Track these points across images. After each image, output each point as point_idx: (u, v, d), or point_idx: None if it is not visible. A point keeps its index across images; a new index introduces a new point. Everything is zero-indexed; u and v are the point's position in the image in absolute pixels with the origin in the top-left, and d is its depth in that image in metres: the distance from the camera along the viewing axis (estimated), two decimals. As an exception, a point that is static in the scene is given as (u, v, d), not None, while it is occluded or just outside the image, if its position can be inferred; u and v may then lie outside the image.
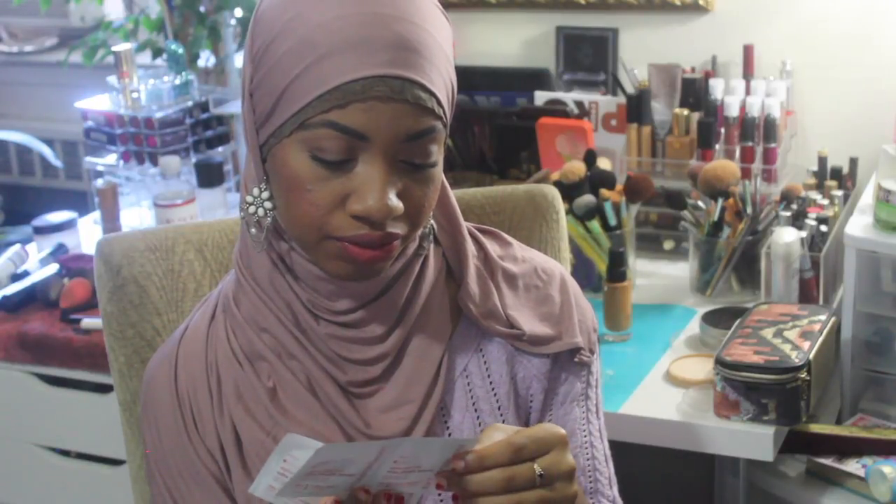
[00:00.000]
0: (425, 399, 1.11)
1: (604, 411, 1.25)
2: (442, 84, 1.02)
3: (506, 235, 1.23)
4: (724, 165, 2.16)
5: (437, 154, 1.04)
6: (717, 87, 2.33)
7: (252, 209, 1.07)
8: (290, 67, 1.00)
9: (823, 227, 2.04)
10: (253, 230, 1.08)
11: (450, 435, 1.14)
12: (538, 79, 2.53)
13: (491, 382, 1.16)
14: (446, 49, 1.04)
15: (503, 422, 1.16)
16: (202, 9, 2.77)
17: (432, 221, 1.14)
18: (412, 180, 1.03)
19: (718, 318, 1.99)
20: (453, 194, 1.17)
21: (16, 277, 2.34)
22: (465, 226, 1.17)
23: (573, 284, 1.22)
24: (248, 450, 1.11)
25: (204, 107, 2.63)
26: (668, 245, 2.35)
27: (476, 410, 1.15)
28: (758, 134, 2.27)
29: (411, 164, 1.02)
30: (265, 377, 1.11)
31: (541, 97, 2.49)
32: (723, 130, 2.31)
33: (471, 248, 1.17)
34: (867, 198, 2.02)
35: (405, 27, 0.99)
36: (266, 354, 1.11)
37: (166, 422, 1.14)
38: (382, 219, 1.01)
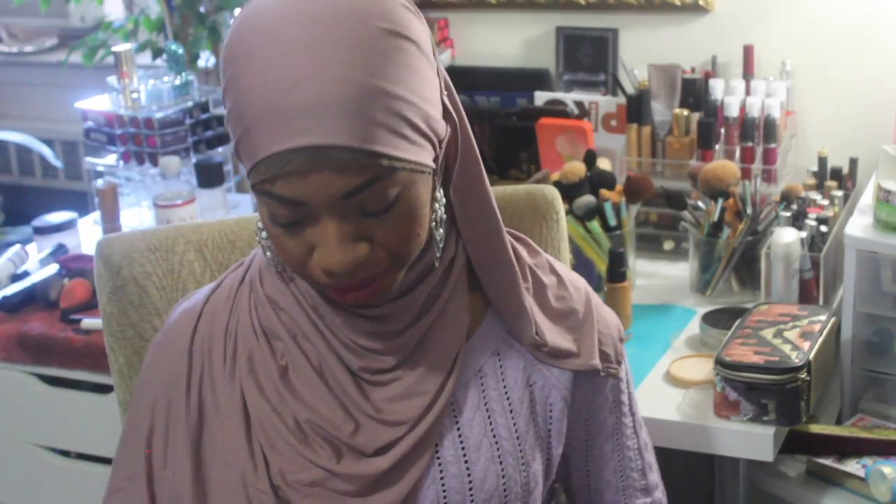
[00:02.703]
0: (437, 393, 1.12)
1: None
2: (390, 124, 0.95)
3: (534, 244, 1.23)
4: (724, 166, 2.15)
5: (402, 192, 0.98)
6: (717, 88, 2.33)
7: (260, 237, 1.11)
8: (233, 130, 0.99)
9: (823, 228, 2.04)
10: (269, 254, 1.11)
11: (459, 431, 1.14)
12: (538, 79, 2.53)
13: (505, 386, 1.17)
14: (408, 70, 0.97)
15: (514, 424, 1.17)
16: (202, 9, 2.78)
17: (440, 231, 1.10)
18: (377, 221, 0.99)
19: (718, 319, 1.99)
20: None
21: (16, 278, 2.34)
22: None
23: (596, 300, 1.23)
24: (253, 420, 1.12)
25: (204, 107, 2.62)
26: (668, 245, 2.35)
27: (488, 410, 1.16)
28: (758, 134, 2.27)
29: (366, 212, 0.98)
30: (279, 355, 1.13)
31: (541, 97, 2.49)
32: (723, 131, 2.31)
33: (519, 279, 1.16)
34: (867, 198, 2.02)
35: (328, 85, 0.92)
36: (281, 334, 1.13)
37: (172, 360, 1.16)
38: (348, 274, 1.00)
